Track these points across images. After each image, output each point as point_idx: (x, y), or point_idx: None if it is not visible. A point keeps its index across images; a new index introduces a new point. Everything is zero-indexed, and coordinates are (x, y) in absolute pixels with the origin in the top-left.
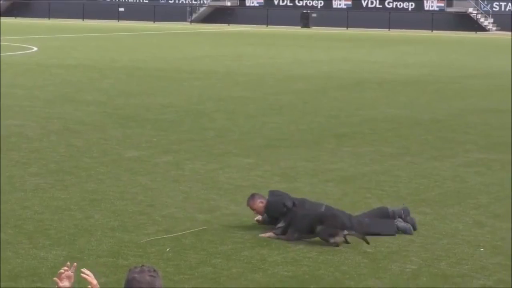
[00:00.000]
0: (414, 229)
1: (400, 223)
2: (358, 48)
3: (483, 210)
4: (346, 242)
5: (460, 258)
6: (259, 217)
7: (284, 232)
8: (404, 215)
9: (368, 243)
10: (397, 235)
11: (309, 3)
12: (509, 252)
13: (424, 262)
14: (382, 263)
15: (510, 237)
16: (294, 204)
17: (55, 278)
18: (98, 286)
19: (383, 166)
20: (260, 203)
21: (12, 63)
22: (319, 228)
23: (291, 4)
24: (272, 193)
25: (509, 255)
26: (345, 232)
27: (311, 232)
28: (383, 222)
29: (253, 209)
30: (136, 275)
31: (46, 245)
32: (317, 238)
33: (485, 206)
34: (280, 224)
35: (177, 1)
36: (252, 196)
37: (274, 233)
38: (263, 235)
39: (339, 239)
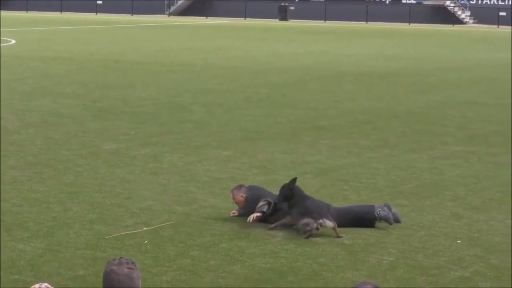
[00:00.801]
0: (398, 222)
1: (381, 212)
2: (336, 41)
3: (460, 202)
4: (317, 229)
5: (437, 250)
6: (234, 212)
7: (273, 209)
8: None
9: (338, 236)
10: (374, 228)
11: None
12: (486, 244)
13: (401, 254)
14: (360, 255)
15: (487, 229)
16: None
17: None
18: None
19: (360, 158)
20: (241, 197)
21: None
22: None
23: None
24: (250, 187)
25: (486, 247)
26: (320, 221)
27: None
28: (363, 206)
29: (234, 199)
30: (114, 267)
31: (25, 238)
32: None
33: (462, 198)
34: (262, 203)
35: None
36: (239, 187)
37: (259, 212)
38: (250, 218)
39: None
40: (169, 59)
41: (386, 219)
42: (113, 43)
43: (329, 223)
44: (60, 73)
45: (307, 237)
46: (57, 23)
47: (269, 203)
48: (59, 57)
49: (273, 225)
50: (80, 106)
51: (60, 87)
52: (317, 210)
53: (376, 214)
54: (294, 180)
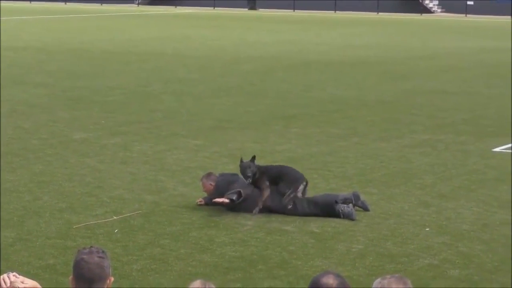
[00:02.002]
0: (367, 210)
1: (345, 208)
2: (305, 30)
3: (429, 190)
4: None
5: (406, 238)
6: (201, 200)
7: (239, 195)
8: (355, 200)
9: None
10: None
11: None
12: (454, 232)
13: (371, 242)
14: (329, 243)
15: (455, 217)
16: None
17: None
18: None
19: (330, 147)
20: (210, 185)
21: None
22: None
23: None
24: (221, 175)
25: (454, 234)
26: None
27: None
28: (326, 196)
29: (203, 187)
30: (84, 256)
31: None
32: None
33: (430, 186)
34: (232, 191)
35: None
36: (208, 175)
37: (227, 197)
38: (219, 200)
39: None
40: (139, 49)
41: (349, 216)
42: (82, 32)
43: (301, 187)
44: (30, 62)
45: (288, 203)
46: (27, 13)
47: (239, 193)
48: (29, 46)
49: (257, 208)
50: (50, 96)
51: (30, 76)
52: (293, 174)
53: (339, 211)
54: (253, 158)
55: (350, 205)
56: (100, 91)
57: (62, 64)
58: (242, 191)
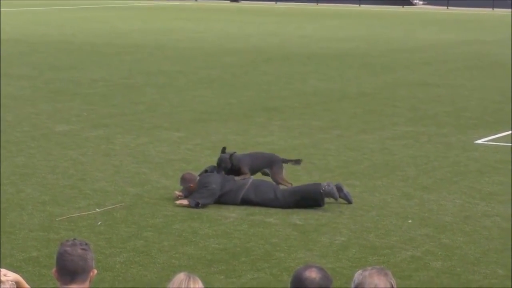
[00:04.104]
0: (350, 202)
1: (326, 187)
2: (287, 22)
3: (411, 182)
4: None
5: (388, 230)
6: (181, 194)
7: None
8: (338, 191)
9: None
10: (325, 207)
11: None
12: (436, 224)
13: (353, 234)
14: (312, 235)
15: (437, 209)
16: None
17: None
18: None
19: (312, 139)
20: (189, 187)
21: None
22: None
23: None
24: (204, 176)
25: (437, 226)
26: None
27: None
28: (308, 185)
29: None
30: (67, 248)
31: None
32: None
33: (412, 178)
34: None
35: None
36: (183, 179)
37: (188, 201)
38: (179, 202)
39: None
40: (121, 41)
41: (331, 195)
42: (64, 24)
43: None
44: (11, 54)
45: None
46: (8, 5)
47: (198, 203)
48: (11, 38)
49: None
50: (32, 88)
51: (11, 68)
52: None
53: (321, 191)
54: (224, 148)
55: (331, 184)
56: (82, 84)
57: (44, 56)
58: (200, 203)
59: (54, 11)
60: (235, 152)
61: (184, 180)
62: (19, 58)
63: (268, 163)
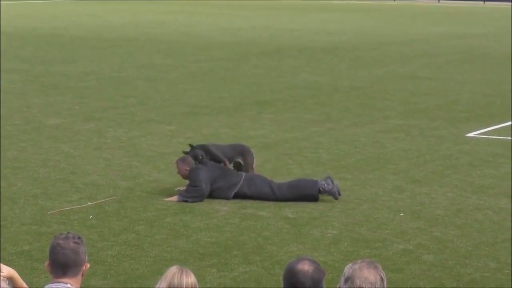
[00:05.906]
0: (339, 194)
1: (326, 186)
2: (278, 16)
3: (403, 176)
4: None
5: (380, 223)
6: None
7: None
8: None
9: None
10: (318, 202)
11: None
12: (428, 217)
13: (345, 227)
14: (304, 228)
15: (429, 202)
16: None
17: None
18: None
19: (304, 132)
20: (185, 170)
21: None
22: None
23: None
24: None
25: (428, 219)
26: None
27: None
28: (306, 181)
29: (178, 170)
30: (60, 241)
31: None
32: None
33: (404, 171)
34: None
35: None
36: (183, 159)
37: (178, 198)
38: (168, 199)
39: None
40: (112, 34)
41: (331, 193)
42: (55, 18)
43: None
44: (2, 48)
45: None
46: None
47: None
48: (2, 32)
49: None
50: (24, 82)
51: (3, 62)
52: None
53: (320, 189)
54: (191, 145)
55: (330, 181)
56: (73, 77)
57: (35, 50)
58: (189, 201)
59: (44, 4)
60: (206, 145)
61: (185, 160)
62: (10, 52)
63: (240, 153)
